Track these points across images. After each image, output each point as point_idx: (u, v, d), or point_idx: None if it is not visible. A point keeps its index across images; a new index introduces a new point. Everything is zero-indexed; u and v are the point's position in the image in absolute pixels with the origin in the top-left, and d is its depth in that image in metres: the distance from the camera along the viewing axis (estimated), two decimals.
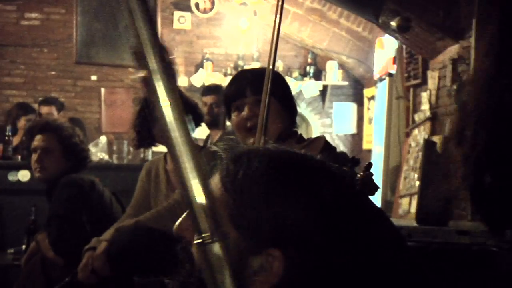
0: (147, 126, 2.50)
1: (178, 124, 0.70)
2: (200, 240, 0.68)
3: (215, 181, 0.86)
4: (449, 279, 2.17)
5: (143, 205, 2.49)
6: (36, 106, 6.15)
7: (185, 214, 0.89)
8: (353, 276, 0.82)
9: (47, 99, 5.83)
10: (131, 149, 5.35)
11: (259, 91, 1.69)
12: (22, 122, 5.33)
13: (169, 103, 0.69)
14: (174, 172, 2.50)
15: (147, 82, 0.70)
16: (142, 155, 5.00)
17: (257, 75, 1.81)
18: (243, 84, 1.76)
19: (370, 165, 1.27)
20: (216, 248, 0.68)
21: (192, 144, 0.70)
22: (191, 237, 0.85)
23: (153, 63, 0.69)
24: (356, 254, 0.82)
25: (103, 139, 5.20)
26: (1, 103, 6.45)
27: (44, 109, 5.48)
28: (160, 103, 0.69)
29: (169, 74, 0.69)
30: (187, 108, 2.50)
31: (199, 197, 0.68)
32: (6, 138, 4.82)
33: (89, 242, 2.35)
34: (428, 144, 2.57)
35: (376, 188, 1.26)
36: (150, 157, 4.92)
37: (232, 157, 0.86)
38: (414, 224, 2.34)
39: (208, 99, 4.12)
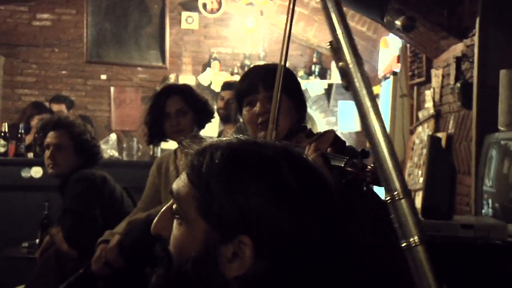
0: (158, 122, 2.50)
1: (373, 108, 0.80)
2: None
3: (182, 177, 0.89)
4: (454, 271, 2.17)
5: (154, 199, 2.50)
6: (47, 104, 6.22)
7: (160, 213, 0.93)
8: (321, 257, 0.84)
9: (57, 97, 5.88)
10: (140, 146, 5.36)
11: (271, 87, 1.69)
12: (35, 121, 5.37)
13: (364, 90, 0.80)
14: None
15: (345, 72, 0.79)
16: (151, 152, 5.01)
17: (269, 71, 1.79)
18: (255, 80, 1.75)
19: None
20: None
21: (384, 129, 0.80)
22: (169, 235, 0.91)
23: (349, 56, 0.80)
24: (323, 235, 0.84)
25: (113, 136, 5.21)
26: (13, 101, 6.48)
27: (55, 107, 5.57)
28: (357, 90, 0.80)
29: (361, 65, 0.80)
30: (198, 104, 2.51)
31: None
32: (19, 135, 4.84)
33: (102, 235, 2.37)
34: (433, 140, 2.56)
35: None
36: (159, 154, 4.93)
37: (196, 152, 0.89)
38: (420, 218, 2.33)
39: (227, 94, 4.11)
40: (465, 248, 2.26)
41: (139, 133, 6.37)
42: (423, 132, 4.53)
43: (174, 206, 0.89)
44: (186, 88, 2.63)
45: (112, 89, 6.67)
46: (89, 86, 6.66)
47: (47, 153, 2.70)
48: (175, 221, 0.89)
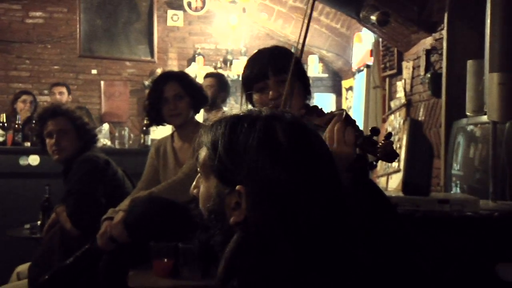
0: (157, 106, 2.49)
1: None
2: None
3: (203, 146, 1.01)
4: (432, 241, 2.21)
5: (153, 180, 2.49)
6: (40, 97, 6.17)
7: (197, 178, 1.05)
8: (308, 206, 0.91)
9: (59, 82, 5.91)
10: (132, 135, 5.34)
11: (280, 71, 1.68)
12: (19, 105, 5.42)
13: None
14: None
15: None
16: (142, 141, 4.98)
17: (276, 54, 1.77)
18: (264, 66, 1.71)
19: (390, 134, 1.27)
20: None
21: None
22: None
23: None
24: (309, 188, 0.91)
25: (105, 126, 5.17)
26: (8, 95, 6.37)
27: (57, 89, 5.66)
28: None
29: None
30: (193, 89, 2.50)
31: None
32: (16, 126, 4.78)
33: (104, 215, 2.35)
34: (413, 123, 2.59)
35: (396, 155, 1.25)
36: (149, 142, 4.91)
37: (209, 126, 1.01)
38: (401, 195, 2.37)
39: (207, 81, 4.27)
40: (441, 221, 2.30)
41: (128, 124, 6.34)
42: (395, 120, 4.57)
43: (199, 169, 1.03)
44: (182, 74, 2.61)
45: (102, 83, 6.61)
46: (81, 80, 6.58)
47: (51, 141, 2.65)
48: (201, 181, 1.03)
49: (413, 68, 4.32)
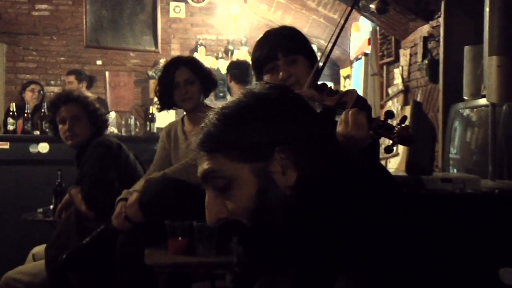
0: (168, 91, 2.47)
1: None
2: None
3: (201, 159, 0.89)
4: (435, 218, 2.21)
5: (165, 162, 2.48)
6: (47, 88, 6.15)
7: (206, 208, 0.90)
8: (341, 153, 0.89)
9: (72, 71, 5.93)
10: (138, 123, 5.32)
11: (289, 51, 1.66)
12: (28, 94, 5.39)
13: None
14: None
15: None
16: (148, 128, 4.98)
17: (284, 35, 1.75)
18: (273, 47, 1.69)
19: (405, 117, 1.26)
20: None
21: None
22: (227, 215, 0.89)
23: None
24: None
25: (112, 114, 5.15)
26: (16, 86, 6.34)
27: (70, 78, 5.72)
28: None
29: None
30: (203, 73, 2.49)
31: None
32: (25, 115, 4.76)
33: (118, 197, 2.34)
34: (416, 105, 2.58)
35: (412, 140, 1.25)
36: (155, 130, 4.91)
37: (198, 131, 0.91)
38: (405, 174, 2.38)
39: None
40: (445, 198, 2.31)
41: (133, 113, 6.32)
42: (393, 105, 4.56)
43: (214, 186, 0.88)
44: (192, 59, 2.59)
45: (107, 73, 6.54)
46: (86, 71, 6.52)
47: (64, 127, 2.62)
48: (224, 197, 0.88)
49: (410, 55, 4.31)
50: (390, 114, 1.27)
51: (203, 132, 0.88)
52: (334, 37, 1.62)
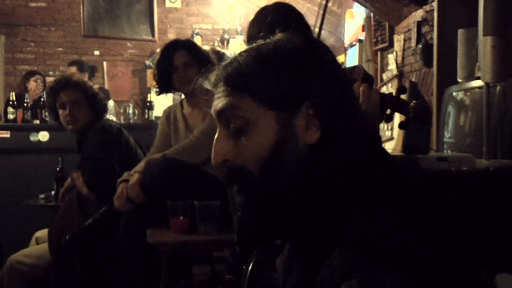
0: (167, 75, 2.45)
1: None
2: None
3: (221, 95, 0.83)
4: (432, 195, 2.20)
5: (165, 145, 2.46)
6: (46, 78, 6.10)
7: (215, 144, 0.85)
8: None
9: (73, 61, 5.88)
10: (136, 111, 5.29)
11: (284, 27, 1.64)
12: (32, 83, 5.35)
13: None
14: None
15: None
16: (146, 116, 4.96)
17: (279, 11, 1.73)
18: (272, 25, 1.67)
19: (419, 94, 1.24)
20: None
21: None
22: (234, 158, 0.83)
23: None
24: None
25: (111, 103, 5.13)
26: (15, 77, 6.30)
27: (72, 69, 5.64)
28: None
29: None
30: (202, 56, 2.46)
31: None
32: (25, 104, 4.73)
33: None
34: (412, 85, 2.58)
35: (429, 114, 1.22)
36: (153, 118, 4.88)
37: (225, 65, 0.85)
38: (401, 154, 2.37)
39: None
40: (441, 176, 2.30)
41: (131, 102, 6.29)
42: (387, 91, 4.55)
43: (231, 124, 0.82)
44: (190, 42, 2.57)
45: (104, 63, 6.53)
46: (84, 61, 6.49)
47: (64, 111, 2.59)
48: (238, 139, 0.82)
49: (404, 40, 4.29)
50: (402, 89, 1.24)
51: (232, 67, 0.82)
52: (319, 20, 1.59)
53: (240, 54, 0.84)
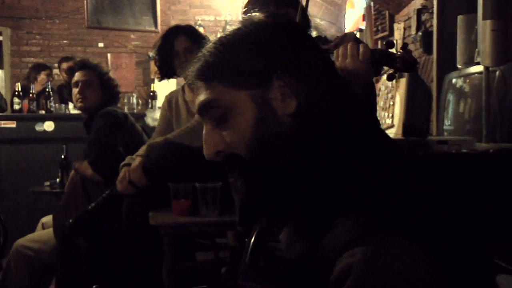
0: (168, 61, 2.43)
1: None
2: None
3: (199, 89, 0.83)
4: (435, 178, 2.18)
5: (167, 130, 2.44)
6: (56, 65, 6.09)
7: (204, 140, 0.83)
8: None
9: (67, 57, 5.81)
10: (140, 101, 5.28)
11: (282, 4, 1.62)
12: (42, 76, 5.35)
13: None
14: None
15: None
16: (150, 106, 4.95)
17: None
18: (265, 1, 1.66)
19: (406, 44, 1.21)
20: None
21: None
22: (225, 147, 0.82)
23: None
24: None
25: None
26: (21, 69, 6.28)
27: (64, 65, 5.53)
28: None
29: None
30: (202, 41, 2.43)
31: None
32: (30, 95, 4.72)
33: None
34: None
35: (416, 62, 1.20)
36: (156, 107, 4.87)
37: (195, 61, 0.84)
38: (401, 137, 2.34)
39: None
40: (441, 158, 2.27)
41: (135, 93, 6.27)
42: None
43: (212, 117, 0.81)
44: (190, 28, 2.54)
45: (109, 55, 6.50)
46: (89, 53, 6.46)
47: (76, 90, 2.62)
48: (222, 129, 0.81)
49: (404, 28, 4.25)
50: (390, 43, 1.21)
51: (200, 61, 0.82)
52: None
53: (205, 48, 0.84)
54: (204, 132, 0.84)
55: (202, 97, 0.82)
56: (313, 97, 0.78)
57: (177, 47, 2.40)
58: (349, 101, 0.82)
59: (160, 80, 2.51)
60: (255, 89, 0.78)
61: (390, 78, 1.22)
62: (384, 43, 1.23)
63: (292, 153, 0.78)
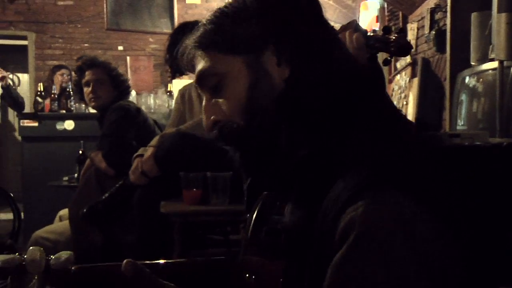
0: (177, 58, 2.40)
1: None
2: None
3: (198, 59, 0.80)
4: (448, 171, 2.12)
5: (180, 122, 2.42)
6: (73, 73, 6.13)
7: (203, 112, 0.81)
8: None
9: (81, 57, 5.90)
10: (157, 101, 5.28)
11: None
12: (58, 77, 5.38)
13: None
14: None
15: None
16: (166, 105, 4.96)
17: None
18: None
19: (402, 29, 1.16)
20: None
21: None
22: (223, 116, 0.79)
23: None
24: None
25: (133, 93, 5.10)
26: (45, 71, 6.34)
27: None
28: None
29: None
30: None
31: None
32: (52, 95, 4.76)
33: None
34: (424, 62, 2.48)
35: (410, 47, 1.15)
36: (172, 105, 4.86)
37: (193, 35, 0.82)
38: None
39: None
40: (454, 151, 2.20)
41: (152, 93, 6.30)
42: (401, 79, 4.44)
43: (208, 87, 0.79)
44: (197, 24, 2.50)
45: (128, 58, 6.54)
46: (108, 56, 6.48)
47: (88, 89, 2.61)
48: (218, 97, 0.79)
49: (418, 28, 4.18)
50: (386, 29, 1.16)
51: (199, 31, 0.80)
52: None
53: (205, 18, 0.82)
54: (202, 104, 0.81)
55: (200, 66, 0.80)
56: (305, 65, 0.75)
57: None
58: (350, 74, 0.77)
59: (171, 78, 2.49)
60: (249, 53, 0.76)
61: (385, 63, 1.17)
62: (381, 28, 1.19)
63: (284, 115, 0.75)
